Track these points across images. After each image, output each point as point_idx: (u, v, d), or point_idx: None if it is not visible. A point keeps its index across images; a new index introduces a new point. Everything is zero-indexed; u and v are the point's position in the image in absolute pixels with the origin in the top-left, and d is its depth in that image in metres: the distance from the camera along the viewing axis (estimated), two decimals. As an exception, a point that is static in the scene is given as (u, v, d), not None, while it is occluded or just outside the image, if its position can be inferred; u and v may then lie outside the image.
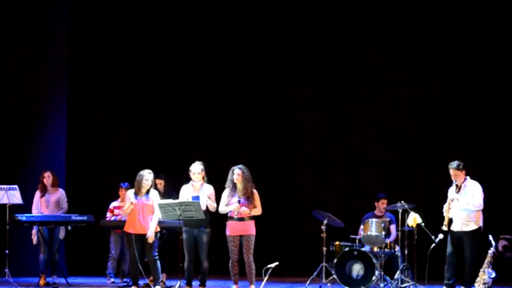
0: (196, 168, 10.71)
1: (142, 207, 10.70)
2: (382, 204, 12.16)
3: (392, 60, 14.00)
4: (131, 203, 10.69)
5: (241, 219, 10.44)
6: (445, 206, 10.32)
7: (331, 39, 14.25)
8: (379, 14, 14.03)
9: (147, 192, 10.75)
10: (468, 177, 10.45)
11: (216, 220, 10.86)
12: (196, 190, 10.74)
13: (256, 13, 14.52)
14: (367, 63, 14.13)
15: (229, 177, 10.55)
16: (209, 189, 10.76)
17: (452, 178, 10.38)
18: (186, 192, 10.76)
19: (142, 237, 10.71)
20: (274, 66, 14.51)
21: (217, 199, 10.74)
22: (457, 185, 10.39)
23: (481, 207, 10.34)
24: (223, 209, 10.53)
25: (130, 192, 10.80)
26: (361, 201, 12.94)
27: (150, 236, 10.64)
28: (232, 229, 10.48)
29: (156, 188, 11.26)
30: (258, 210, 10.50)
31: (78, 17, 14.42)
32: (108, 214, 12.40)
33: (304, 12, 14.36)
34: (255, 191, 10.52)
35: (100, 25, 14.66)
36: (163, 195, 11.69)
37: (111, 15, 14.70)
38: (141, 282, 11.07)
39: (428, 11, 13.80)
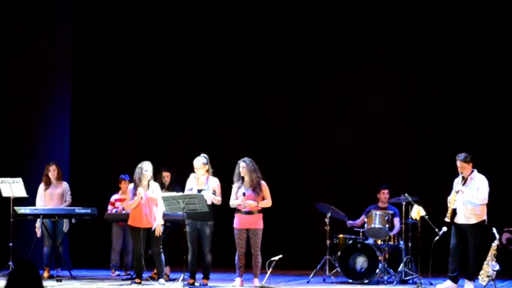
0: (197, 163, 10.66)
1: (148, 201, 10.69)
2: (383, 195, 12.12)
3: (395, 54, 13.98)
4: (141, 197, 10.66)
5: (249, 212, 10.44)
6: (450, 198, 10.30)
7: (331, 34, 14.23)
8: (378, 11, 14.04)
9: (148, 185, 10.74)
10: (475, 170, 10.40)
11: (220, 213, 10.86)
12: (202, 184, 10.70)
13: (262, 9, 14.53)
14: (370, 57, 14.10)
15: (236, 171, 10.57)
16: (214, 182, 10.71)
17: (459, 170, 10.32)
18: (190, 185, 10.71)
19: (148, 230, 10.72)
20: (282, 61, 14.47)
21: (225, 191, 10.73)
22: (463, 177, 10.35)
23: (486, 201, 10.31)
24: (232, 203, 10.54)
25: (132, 186, 10.79)
26: (365, 194, 12.91)
27: (158, 228, 10.63)
28: (239, 222, 10.49)
29: (162, 180, 11.20)
30: (267, 202, 10.49)
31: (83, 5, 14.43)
32: (109, 207, 12.39)
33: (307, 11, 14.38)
34: (263, 182, 10.50)
35: (105, 15, 14.60)
36: (169, 187, 11.69)
37: (115, 5, 14.69)
38: (144, 275, 11.08)
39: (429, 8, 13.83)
